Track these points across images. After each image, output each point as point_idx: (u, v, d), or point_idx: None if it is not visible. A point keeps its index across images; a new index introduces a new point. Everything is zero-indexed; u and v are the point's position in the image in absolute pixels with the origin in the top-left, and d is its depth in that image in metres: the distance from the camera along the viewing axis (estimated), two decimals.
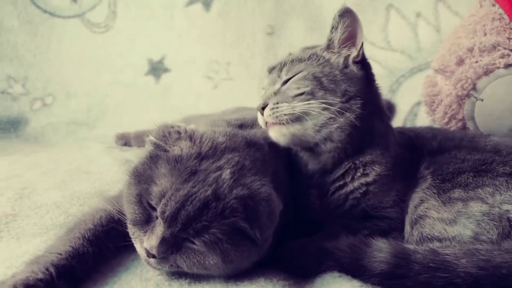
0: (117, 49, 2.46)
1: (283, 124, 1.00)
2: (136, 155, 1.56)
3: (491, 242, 0.88)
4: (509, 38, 1.37)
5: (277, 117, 1.00)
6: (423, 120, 1.76)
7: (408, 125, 1.89)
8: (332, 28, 1.05)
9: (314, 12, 2.25)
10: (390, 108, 1.96)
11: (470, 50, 1.33)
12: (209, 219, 0.78)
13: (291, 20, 2.29)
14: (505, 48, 1.29)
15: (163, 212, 0.78)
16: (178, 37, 2.41)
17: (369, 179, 1.03)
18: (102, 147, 1.76)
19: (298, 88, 1.01)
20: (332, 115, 0.98)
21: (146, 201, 0.81)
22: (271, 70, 1.13)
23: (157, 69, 2.43)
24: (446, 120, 1.39)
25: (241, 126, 1.10)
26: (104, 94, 2.42)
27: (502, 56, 1.27)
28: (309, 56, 1.07)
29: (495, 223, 0.90)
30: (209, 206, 0.78)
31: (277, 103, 1.01)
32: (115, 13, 2.48)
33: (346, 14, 1.03)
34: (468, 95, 1.30)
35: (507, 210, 0.91)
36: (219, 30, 2.36)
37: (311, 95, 1.00)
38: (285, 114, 0.99)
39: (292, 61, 1.08)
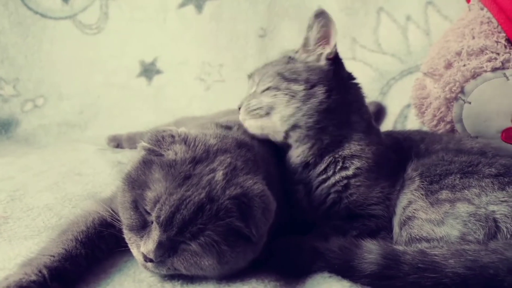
0: (109, 51, 2.45)
1: (254, 118, 1.11)
2: (128, 157, 1.58)
3: (477, 242, 0.89)
4: (497, 42, 1.39)
5: (248, 112, 1.11)
6: (413, 122, 1.78)
7: (399, 127, 1.90)
8: (308, 27, 1.13)
9: (306, 15, 2.21)
10: (381, 110, 1.98)
11: (458, 53, 1.35)
12: (204, 222, 0.79)
13: (284, 22, 2.30)
14: (492, 52, 1.31)
15: (158, 217, 0.79)
16: (171, 39, 2.41)
17: (349, 172, 1.07)
18: (94, 149, 1.76)
19: (264, 85, 1.11)
20: (296, 103, 1.06)
21: (142, 206, 0.82)
22: (249, 76, 1.21)
23: (149, 71, 2.43)
24: (435, 122, 1.40)
25: (229, 127, 1.12)
26: (96, 95, 2.41)
27: (490, 60, 1.28)
28: (279, 58, 1.17)
29: (481, 223, 0.91)
30: (204, 208, 0.79)
31: (249, 101, 1.13)
32: (107, 15, 2.47)
33: (321, 15, 1.11)
34: (456, 98, 1.32)
35: (493, 211, 0.93)
36: (212, 32, 2.36)
37: (276, 88, 1.09)
38: (254, 109, 1.10)
39: (265, 65, 1.18)
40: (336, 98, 1.08)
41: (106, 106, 2.38)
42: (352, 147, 1.08)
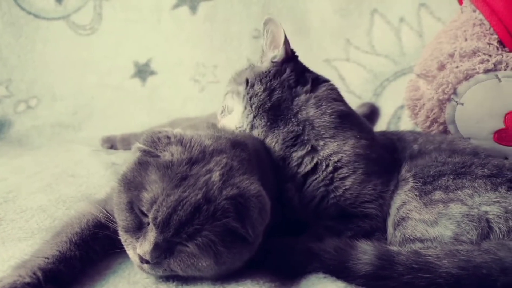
0: (103, 52, 2.44)
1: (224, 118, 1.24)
2: (122, 159, 1.58)
3: (471, 243, 0.90)
4: (489, 44, 1.40)
5: (219, 115, 1.27)
6: (406, 123, 1.79)
7: (392, 128, 1.91)
8: (262, 35, 1.20)
9: (300, 17, 2.26)
10: (374, 111, 1.99)
11: (451, 55, 1.36)
12: (201, 222, 0.79)
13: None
14: (484, 54, 1.32)
15: (155, 218, 0.79)
16: (165, 40, 2.41)
17: (330, 168, 1.10)
18: (88, 150, 1.75)
19: (226, 90, 1.25)
20: (242, 100, 1.17)
21: (138, 207, 0.82)
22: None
23: (143, 71, 2.42)
24: (428, 123, 1.41)
25: (222, 127, 1.13)
26: (90, 96, 2.39)
27: (482, 62, 1.30)
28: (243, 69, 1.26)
29: (474, 224, 0.92)
30: (201, 209, 0.79)
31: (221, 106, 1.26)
32: (101, 15, 2.46)
33: (268, 22, 1.17)
34: (449, 99, 1.33)
35: (486, 211, 0.94)
36: (206, 33, 2.36)
37: (231, 92, 1.21)
38: (221, 112, 1.26)
39: (236, 73, 1.27)
40: (279, 97, 1.14)
41: (100, 107, 2.36)
42: (330, 146, 1.11)
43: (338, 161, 1.10)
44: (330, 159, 1.10)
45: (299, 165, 1.12)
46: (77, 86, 2.41)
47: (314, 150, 1.12)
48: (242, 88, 1.17)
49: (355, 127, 1.15)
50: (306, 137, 1.12)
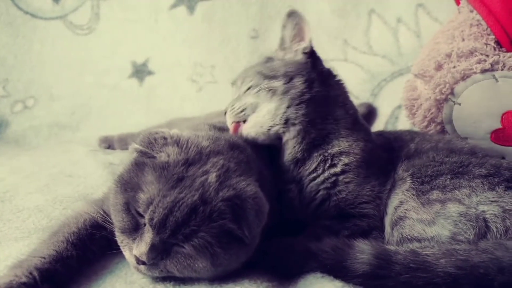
0: (100, 52, 2.44)
1: (243, 122, 1.11)
2: (119, 159, 1.57)
3: (468, 242, 0.90)
4: (486, 44, 1.40)
5: (235, 115, 1.12)
6: (403, 123, 1.79)
7: (390, 127, 1.92)
8: (283, 27, 1.18)
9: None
10: (372, 112, 1.99)
11: (448, 55, 1.36)
12: (198, 224, 0.79)
13: (276, 24, 2.31)
14: (481, 54, 1.33)
15: (151, 219, 0.79)
16: (162, 40, 2.41)
17: (337, 169, 1.09)
18: (86, 150, 1.75)
19: (246, 85, 1.14)
20: (279, 98, 1.08)
21: (134, 208, 0.82)
22: (233, 83, 1.23)
23: (140, 71, 2.42)
24: (425, 123, 1.41)
25: (222, 129, 1.13)
26: (88, 96, 2.39)
27: (479, 62, 1.30)
28: (259, 61, 1.21)
29: (471, 223, 0.93)
30: (197, 210, 0.79)
31: (233, 104, 1.14)
32: (98, 15, 2.46)
33: (293, 14, 1.16)
34: (446, 99, 1.33)
35: (483, 211, 0.94)
36: (204, 33, 2.36)
37: (257, 86, 1.11)
38: (239, 111, 1.11)
39: (245, 70, 1.20)
40: (318, 90, 1.11)
41: (98, 107, 2.36)
42: (340, 144, 1.10)
43: (348, 164, 1.08)
44: (340, 159, 1.09)
45: (313, 169, 1.10)
46: (74, 86, 2.41)
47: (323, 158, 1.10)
48: (279, 83, 1.09)
49: (363, 130, 1.16)
50: (333, 136, 1.10)
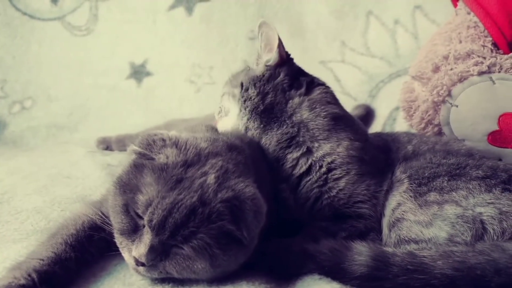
0: (98, 52, 2.44)
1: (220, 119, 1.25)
2: (118, 160, 1.57)
3: (465, 244, 0.91)
4: (483, 46, 1.41)
5: (216, 115, 1.28)
6: (401, 125, 1.79)
7: (387, 129, 1.92)
8: (257, 39, 1.21)
9: (296, 18, 2.27)
10: (370, 113, 2.00)
11: (446, 57, 1.37)
12: (197, 225, 0.79)
13: (274, 25, 2.30)
14: (479, 56, 1.33)
15: (150, 221, 0.79)
16: (161, 41, 2.41)
17: (323, 169, 1.11)
18: (84, 151, 1.75)
19: (222, 91, 1.26)
20: (237, 101, 1.18)
21: (133, 210, 0.82)
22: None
23: (139, 72, 2.42)
24: (423, 125, 1.42)
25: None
26: (86, 97, 2.39)
27: (476, 64, 1.30)
28: (241, 70, 1.27)
29: (468, 225, 0.93)
30: (196, 212, 0.79)
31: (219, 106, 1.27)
32: (97, 16, 2.46)
33: (263, 25, 1.17)
34: (443, 101, 1.34)
35: (480, 213, 0.95)
36: (202, 34, 2.36)
37: (228, 94, 1.22)
38: (218, 112, 1.27)
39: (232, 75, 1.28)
40: (272, 101, 1.15)
41: (96, 108, 2.36)
42: (323, 148, 1.12)
43: (332, 162, 1.11)
44: (323, 160, 1.11)
45: (294, 166, 1.13)
46: (72, 87, 2.41)
47: (309, 151, 1.13)
48: (237, 91, 1.19)
49: (348, 129, 1.16)
50: (301, 139, 1.13)
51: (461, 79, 1.30)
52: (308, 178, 1.12)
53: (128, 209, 0.83)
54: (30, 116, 2.34)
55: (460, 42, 1.43)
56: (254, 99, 1.15)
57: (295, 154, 1.13)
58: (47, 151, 1.86)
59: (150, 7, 2.41)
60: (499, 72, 1.29)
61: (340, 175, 1.11)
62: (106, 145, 1.90)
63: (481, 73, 1.29)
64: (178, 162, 0.84)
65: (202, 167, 0.85)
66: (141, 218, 0.81)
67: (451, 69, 1.33)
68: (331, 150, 1.12)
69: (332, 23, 2.19)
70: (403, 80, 1.60)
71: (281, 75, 1.18)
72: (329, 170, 1.11)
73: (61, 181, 1.38)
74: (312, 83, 1.21)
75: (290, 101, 1.16)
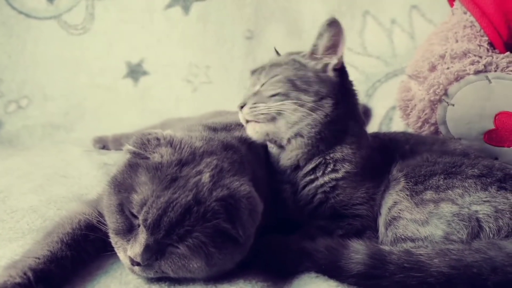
0: (95, 52, 2.43)
1: (258, 122, 1.09)
2: (114, 159, 1.57)
3: (461, 242, 0.91)
4: (479, 45, 1.42)
5: (255, 115, 1.09)
6: (398, 124, 1.80)
7: (384, 128, 1.93)
8: (319, 35, 1.10)
9: (293, 18, 2.27)
10: (367, 112, 2.00)
11: (442, 56, 1.37)
12: (192, 224, 0.79)
13: (271, 25, 2.32)
14: (475, 55, 1.34)
15: (145, 220, 0.78)
16: (157, 40, 2.41)
17: (338, 175, 1.08)
18: (80, 151, 1.74)
19: (273, 90, 1.09)
20: (303, 113, 1.06)
21: (128, 209, 0.82)
22: (253, 72, 1.18)
23: (135, 72, 2.42)
24: (419, 124, 1.42)
25: (215, 129, 1.12)
26: (82, 96, 2.38)
27: (472, 63, 1.31)
28: (288, 61, 1.14)
29: (464, 223, 0.93)
30: (191, 210, 0.79)
31: (255, 103, 1.09)
32: (93, 15, 2.45)
33: (334, 24, 1.08)
34: (440, 100, 1.34)
35: (476, 211, 0.95)
36: (199, 33, 2.36)
37: (285, 95, 1.07)
38: (261, 114, 1.08)
39: (272, 65, 1.15)
40: (341, 110, 1.09)
41: (92, 107, 2.36)
42: (344, 150, 1.09)
43: (349, 171, 1.08)
44: (343, 166, 1.08)
45: (307, 173, 1.10)
46: (68, 86, 2.40)
47: (324, 161, 1.10)
48: (308, 99, 1.07)
49: (365, 136, 1.16)
50: (327, 157, 1.09)
51: (458, 78, 1.31)
52: (313, 181, 1.10)
53: (123, 208, 0.83)
54: (26, 116, 2.34)
55: (457, 41, 1.44)
56: (326, 110, 1.07)
57: (313, 165, 1.09)
58: (43, 151, 1.85)
59: (147, 6, 2.41)
60: (495, 71, 1.30)
61: (349, 184, 1.09)
62: (103, 144, 1.90)
63: (477, 72, 1.30)
64: (172, 161, 0.84)
65: (197, 166, 0.85)
66: (136, 217, 0.81)
67: (448, 68, 1.34)
68: (353, 157, 1.09)
69: None
70: (399, 80, 1.62)
71: (348, 82, 1.14)
72: (343, 178, 1.08)
73: (57, 180, 1.38)
74: (354, 90, 1.18)
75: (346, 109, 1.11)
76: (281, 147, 1.12)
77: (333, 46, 1.10)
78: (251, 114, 1.09)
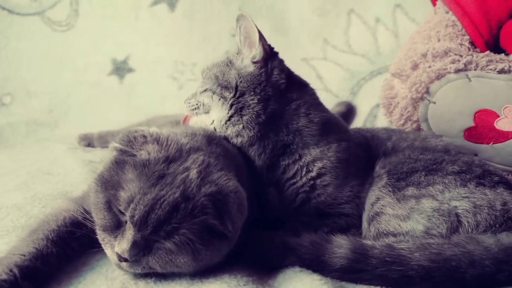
0: (79, 48, 2.40)
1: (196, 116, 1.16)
2: (99, 156, 1.56)
3: (441, 236, 0.94)
4: (460, 44, 1.44)
5: (188, 108, 1.17)
6: (382, 121, 1.82)
7: (368, 126, 1.95)
8: (236, 34, 1.12)
9: (279, 15, 2.28)
10: (351, 110, 2.03)
11: (424, 55, 1.39)
12: (179, 220, 0.80)
13: (256, 22, 2.29)
14: (456, 54, 1.36)
15: (132, 217, 0.79)
16: (143, 37, 2.39)
17: (313, 173, 1.10)
18: (65, 148, 1.73)
19: (202, 86, 1.16)
20: (230, 112, 1.08)
21: (115, 206, 0.82)
22: (202, 72, 1.22)
23: (121, 69, 2.40)
24: (402, 121, 1.44)
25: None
26: (67, 93, 2.36)
27: (453, 62, 1.33)
28: (223, 59, 1.17)
29: (444, 218, 0.96)
30: (179, 207, 0.80)
31: (190, 99, 1.18)
32: (77, 12, 2.42)
33: (241, 18, 1.10)
34: (422, 98, 1.36)
35: (455, 206, 0.97)
36: (185, 31, 2.35)
37: (211, 91, 1.12)
38: (192, 108, 1.15)
39: (212, 64, 1.19)
40: (274, 108, 1.08)
41: (77, 104, 2.33)
42: (312, 153, 1.10)
43: (323, 167, 1.09)
44: (314, 165, 1.09)
45: (284, 172, 1.11)
46: (52, 83, 2.38)
47: (299, 158, 1.10)
48: (229, 95, 1.09)
49: (335, 130, 1.15)
50: (295, 146, 1.10)
51: (439, 77, 1.33)
52: (294, 183, 1.11)
53: (110, 205, 0.83)
54: (9, 113, 2.30)
55: (439, 40, 1.46)
56: (254, 107, 1.07)
57: (287, 161, 1.10)
58: (27, 148, 1.84)
59: (132, 2, 2.39)
60: (475, 69, 1.32)
61: (329, 181, 1.10)
62: (88, 141, 1.88)
63: (458, 71, 1.32)
64: (159, 158, 0.85)
65: (184, 163, 0.86)
66: (123, 214, 0.82)
67: (429, 66, 1.36)
68: (322, 154, 1.10)
69: (315, 20, 2.20)
70: (384, 78, 1.63)
71: (276, 74, 1.10)
72: (319, 175, 1.10)
73: (41, 178, 1.37)
74: (301, 83, 1.17)
75: (288, 106, 1.10)
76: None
77: (248, 38, 1.10)
78: (186, 108, 1.18)
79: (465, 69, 1.32)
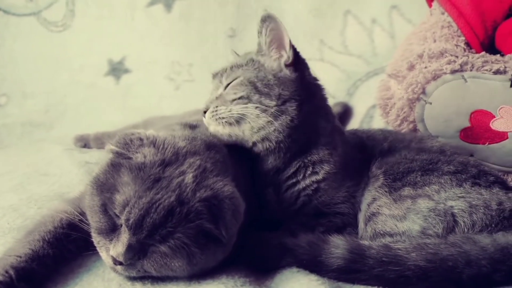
0: (75, 49, 2.40)
1: (222, 125, 1.07)
2: (95, 158, 1.56)
3: (437, 236, 0.94)
4: (456, 45, 1.45)
5: (216, 120, 1.06)
6: (378, 122, 1.83)
7: (365, 126, 1.95)
8: (258, 33, 1.10)
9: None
10: (347, 111, 2.03)
11: (420, 56, 1.40)
12: (174, 224, 0.79)
13: (253, 23, 2.31)
14: (451, 55, 1.36)
15: (127, 220, 0.78)
16: (139, 38, 2.39)
17: (319, 177, 1.09)
18: (61, 149, 1.72)
19: (235, 93, 1.06)
20: (269, 119, 1.04)
21: (111, 209, 0.81)
22: (214, 75, 1.17)
23: (117, 69, 2.40)
24: (398, 122, 1.45)
25: (195, 126, 1.12)
26: (63, 94, 2.35)
27: (449, 62, 1.34)
28: (247, 61, 1.12)
29: (440, 218, 0.96)
30: (174, 211, 0.79)
31: (217, 106, 1.07)
32: (73, 12, 2.42)
33: (268, 19, 1.08)
34: (418, 99, 1.37)
35: (451, 206, 0.98)
36: (181, 31, 2.35)
37: (247, 99, 1.05)
38: (222, 118, 1.05)
39: (232, 67, 1.13)
40: (306, 110, 1.08)
41: (73, 105, 2.33)
42: (320, 153, 1.10)
43: (328, 172, 1.09)
44: (322, 167, 1.09)
45: (289, 176, 1.11)
46: (49, 84, 2.37)
47: (306, 164, 1.10)
48: (271, 103, 1.04)
49: (338, 131, 1.16)
50: (310, 147, 1.09)
51: (435, 77, 1.34)
52: (295, 184, 1.11)
53: (106, 208, 0.82)
54: (4, 113, 2.30)
55: (435, 41, 1.47)
56: (291, 113, 1.04)
57: (293, 169, 1.10)
58: (22, 149, 1.83)
59: (129, 3, 2.39)
60: (471, 70, 1.32)
61: (331, 184, 1.10)
62: (84, 142, 1.88)
63: (453, 72, 1.32)
64: (155, 161, 0.84)
65: (180, 166, 0.85)
66: (118, 217, 0.81)
67: (425, 67, 1.36)
68: (329, 157, 1.10)
69: (311, 21, 2.20)
70: (380, 78, 1.63)
71: (307, 75, 1.11)
72: (324, 179, 1.10)
73: (37, 179, 1.36)
74: (316, 79, 1.16)
75: (314, 107, 1.09)
76: (254, 147, 1.10)
77: (275, 40, 1.08)
78: (212, 119, 1.07)
79: (461, 69, 1.32)
